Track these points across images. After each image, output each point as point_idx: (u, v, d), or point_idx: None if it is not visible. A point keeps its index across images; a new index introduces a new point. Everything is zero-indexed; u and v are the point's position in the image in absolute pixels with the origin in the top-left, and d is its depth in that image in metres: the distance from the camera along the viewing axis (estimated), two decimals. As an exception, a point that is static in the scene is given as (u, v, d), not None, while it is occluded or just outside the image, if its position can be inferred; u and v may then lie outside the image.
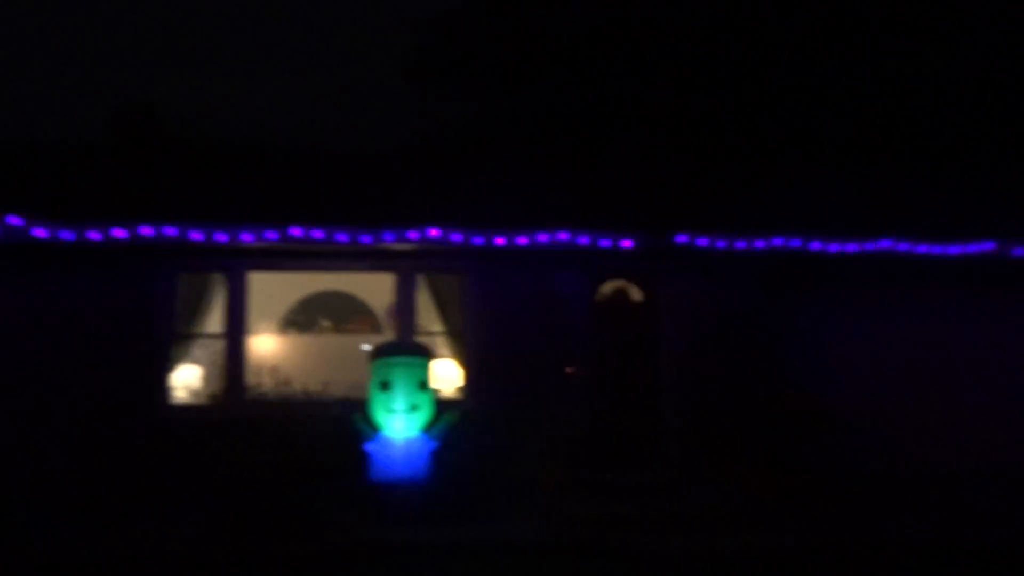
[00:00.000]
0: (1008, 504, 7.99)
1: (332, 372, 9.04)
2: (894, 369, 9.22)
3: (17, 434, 7.78)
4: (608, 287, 9.05)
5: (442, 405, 7.95)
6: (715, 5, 15.73)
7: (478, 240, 8.25)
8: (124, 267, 8.11)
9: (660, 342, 8.91)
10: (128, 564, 6.19)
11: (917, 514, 7.61)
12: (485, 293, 8.63)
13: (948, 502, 8.02)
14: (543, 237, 8.34)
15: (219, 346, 8.44)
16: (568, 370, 8.64)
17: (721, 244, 8.65)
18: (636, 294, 9.11)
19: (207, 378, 8.88)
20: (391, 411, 7.56)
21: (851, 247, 8.81)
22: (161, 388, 8.12)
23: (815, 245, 8.77)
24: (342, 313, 11.20)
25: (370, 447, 7.56)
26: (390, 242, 8.16)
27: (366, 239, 8.08)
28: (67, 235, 7.73)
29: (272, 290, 10.00)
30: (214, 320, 8.53)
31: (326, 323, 11.24)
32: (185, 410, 8.30)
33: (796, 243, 8.73)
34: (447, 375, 8.87)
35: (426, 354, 7.92)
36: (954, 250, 8.98)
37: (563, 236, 8.35)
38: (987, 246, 8.98)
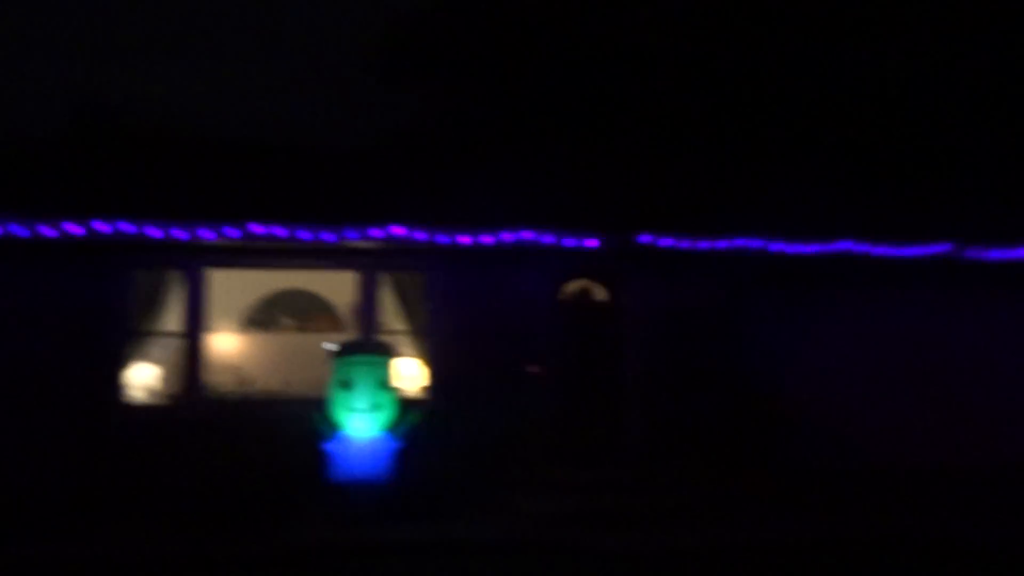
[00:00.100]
0: (969, 500, 8.14)
1: (294, 371, 8.96)
2: (855, 368, 9.35)
3: (-34, 434, 7.58)
4: (572, 286, 9.07)
5: (404, 404, 7.90)
6: (680, 6, 15.85)
7: (442, 239, 8.22)
8: (79, 264, 7.93)
9: (623, 341, 8.95)
10: (83, 567, 6.04)
11: (874, 511, 7.72)
12: (449, 292, 8.60)
13: (905, 498, 8.16)
14: (508, 236, 8.33)
15: (178, 345, 8.30)
16: (531, 369, 8.64)
17: (684, 245, 8.71)
18: (600, 293, 9.15)
19: (165, 377, 8.73)
20: (352, 410, 7.49)
21: (811, 248, 8.93)
22: (117, 388, 7.96)
23: (776, 246, 8.87)
24: (304, 311, 11.09)
25: (331, 447, 7.48)
26: (353, 240, 8.09)
27: (329, 237, 8.00)
28: (19, 231, 7.55)
29: (233, 288, 9.86)
30: (173, 318, 8.38)
31: (288, 321, 11.12)
32: (142, 410, 8.15)
33: (757, 244, 8.82)
34: (410, 374, 8.82)
35: (388, 353, 7.86)
36: (912, 252, 9.15)
37: (527, 235, 8.35)
38: (943, 248, 9.17)
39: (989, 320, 9.70)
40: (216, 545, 6.43)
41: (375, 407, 7.51)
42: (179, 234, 7.77)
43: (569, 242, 8.50)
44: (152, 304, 8.27)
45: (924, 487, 8.56)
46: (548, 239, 8.42)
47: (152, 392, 8.54)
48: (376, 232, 8.03)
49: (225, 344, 9.88)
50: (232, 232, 7.80)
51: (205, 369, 8.25)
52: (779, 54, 15.39)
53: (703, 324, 9.01)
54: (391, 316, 8.82)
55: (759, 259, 8.98)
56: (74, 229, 7.58)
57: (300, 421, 7.62)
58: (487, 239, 8.30)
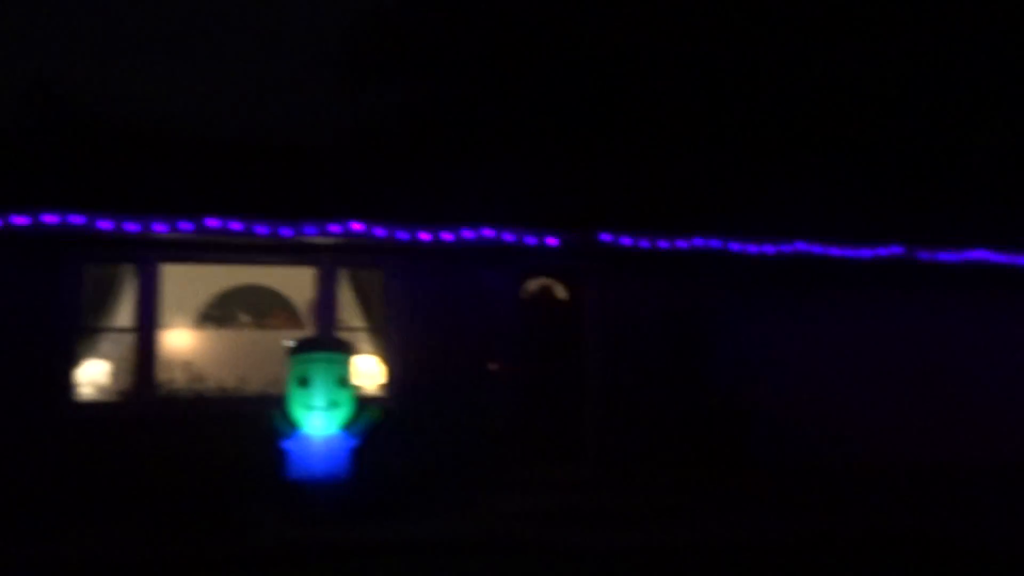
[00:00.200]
0: (927, 495, 8.32)
1: (251, 368, 8.79)
2: (817, 366, 9.50)
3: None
4: (533, 284, 9.07)
5: (364, 402, 7.81)
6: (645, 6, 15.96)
7: (402, 235, 8.15)
8: (26, 256, 7.69)
9: (585, 340, 8.97)
10: (28, 571, 5.85)
11: (836, 508, 7.82)
12: (409, 289, 8.53)
13: (863, 496, 8.28)
14: (468, 233, 8.29)
15: (129, 341, 8.10)
16: (492, 367, 8.62)
17: (644, 243, 8.76)
18: (561, 292, 9.16)
19: (116, 374, 8.51)
20: (310, 408, 7.39)
21: (767, 248, 9.05)
22: (66, 384, 7.74)
23: (736, 246, 8.97)
24: (262, 308, 10.91)
25: (289, 445, 7.37)
26: (311, 235, 7.98)
27: (286, 232, 7.88)
28: (-37, 222, 7.30)
29: (189, 283, 9.66)
30: (124, 313, 8.18)
31: (245, 318, 10.92)
32: (92, 407, 7.93)
33: (717, 244, 8.92)
34: (369, 371, 8.73)
35: (347, 350, 7.77)
36: (865, 253, 9.33)
37: (488, 232, 8.32)
38: (896, 249, 9.37)
39: (944, 319, 9.94)
40: (170, 547, 6.29)
41: (333, 405, 7.41)
42: (131, 227, 7.58)
43: (530, 240, 8.49)
44: (103, 299, 8.06)
45: (878, 483, 8.73)
46: (509, 236, 8.41)
47: (103, 389, 8.32)
48: (335, 227, 7.93)
49: (179, 340, 9.67)
50: (186, 226, 7.64)
51: (158, 366, 8.07)
52: (740, 53, 15.56)
53: (664, 322, 9.08)
54: (350, 313, 8.72)
55: (719, 259, 9.07)
56: (21, 220, 7.35)
57: (257, 419, 7.49)
58: (447, 236, 8.25)
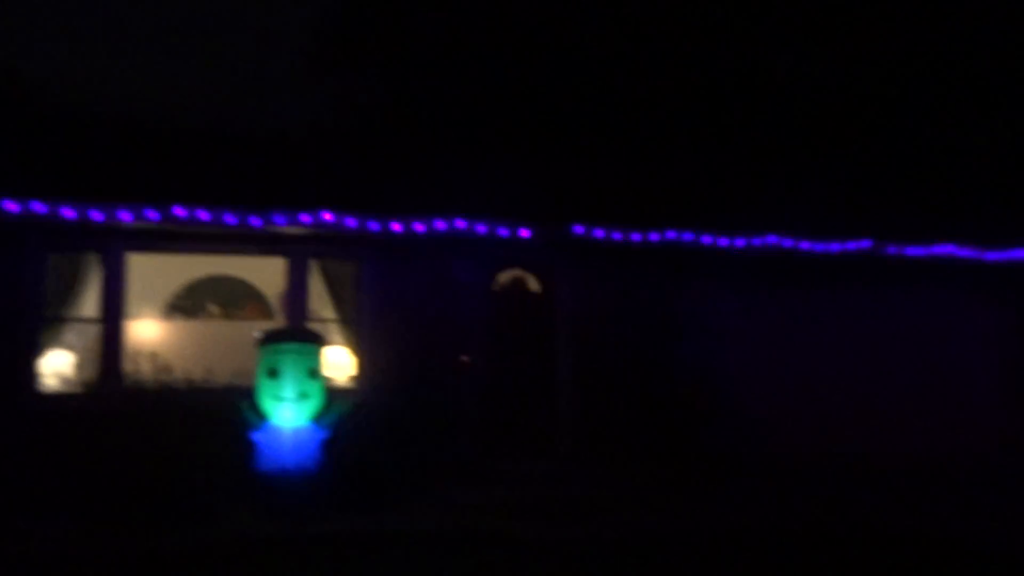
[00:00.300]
0: (888, 491, 8.45)
1: (219, 359, 8.68)
2: (786, 361, 9.57)
3: None
4: (506, 276, 9.05)
5: (334, 394, 7.76)
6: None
7: (374, 225, 8.09)
8: (-13, 245, 7.53)
9: (556, 332, 8.98)
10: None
11: (792, 501, 7.94)
12: (380, 280, 8.47)
13: (820, 489, 8.41)
14: (441, 224, 8.25)
15: (95, 331, 7.96)
16: (463, 359, 8.60)
17: (617, 236, 8.78)
18: (534, 284, 9.15)
19: (80, 365, 8.36)
20: (279, 399, 7.32)
21: (739, 242, 9.12)
22: (29, 375, 7.59)
23: (706, 239, 9.02)
24: (231, 298, 10.77)
25: (257, 436, 7.29)
26: (281, 225, 7.89)
27: (256, 222, 7.78)
28: (-79, 209, 7.12)
29: (156, 273, 9.52)
30: (90, 303, 8.03)
31: (214, 309, 10.77)
32: (55, 398, 7.79)
33: (688, 237, 8.96)
34: (339, 363, 8.66)
35: (317, 341, 7.70)
36: (834, 247, 9.43)
37: (461, 224, 8.29)
38: (864, 244, 9.48)
39: (911, 314, 10.07)
40: (135, 540, 6.20)
41: (303, 396, 7.35)
42: (96, 216, 7.44)
43: (503, 231, 8.47)
44: (68, 289, 7.89)
45: (842, 475, 8.87)
46: (481, 228, 8.38)
47: (67, 380, 8.18)
48: (305, 217, 7.85)
49: (146, 331, 9.52)
50: (153, 215, 7.51)
51: (124, 357, 7.93)
52: (707, 49, 15.63)
53: (636, 316, 9.11)
54: (321, 304, 8.64)
55: (691, 252, 9.11)
56: (-18, 208, 7.20)
57: (226, 410, 7.40)
58: (419, 227, 8.21)
